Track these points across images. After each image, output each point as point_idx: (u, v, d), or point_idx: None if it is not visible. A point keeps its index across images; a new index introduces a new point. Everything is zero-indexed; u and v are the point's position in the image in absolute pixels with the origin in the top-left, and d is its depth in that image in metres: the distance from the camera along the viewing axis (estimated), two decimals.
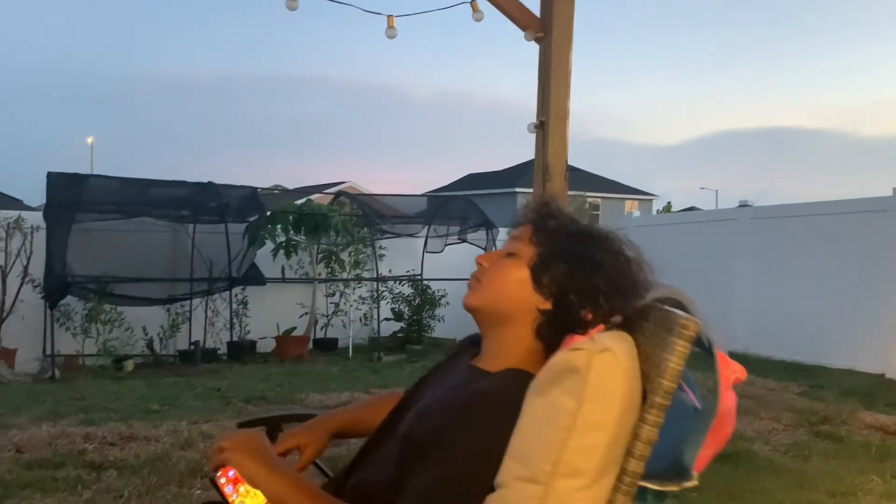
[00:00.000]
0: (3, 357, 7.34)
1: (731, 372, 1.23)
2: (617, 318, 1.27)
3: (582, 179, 26.20)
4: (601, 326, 1.26)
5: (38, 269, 7.70)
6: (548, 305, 1.29)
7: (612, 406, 1.11)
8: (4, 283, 7.71)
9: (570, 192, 3.32)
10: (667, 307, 1.22)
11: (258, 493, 1.17)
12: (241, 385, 6.66)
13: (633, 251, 1.33)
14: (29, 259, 7.76)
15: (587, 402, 1.11)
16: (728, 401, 1.22)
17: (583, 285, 1.27)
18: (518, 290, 1.30)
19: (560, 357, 1.17)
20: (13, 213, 8.04)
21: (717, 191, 41.23)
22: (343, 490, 1.32)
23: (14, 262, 7.75)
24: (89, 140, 35.51)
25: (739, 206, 11.09)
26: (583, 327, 1.27)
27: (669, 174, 74.78)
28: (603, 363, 1.12)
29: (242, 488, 1.18)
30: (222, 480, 1.19)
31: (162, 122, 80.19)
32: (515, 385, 1.22)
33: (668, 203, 42.46)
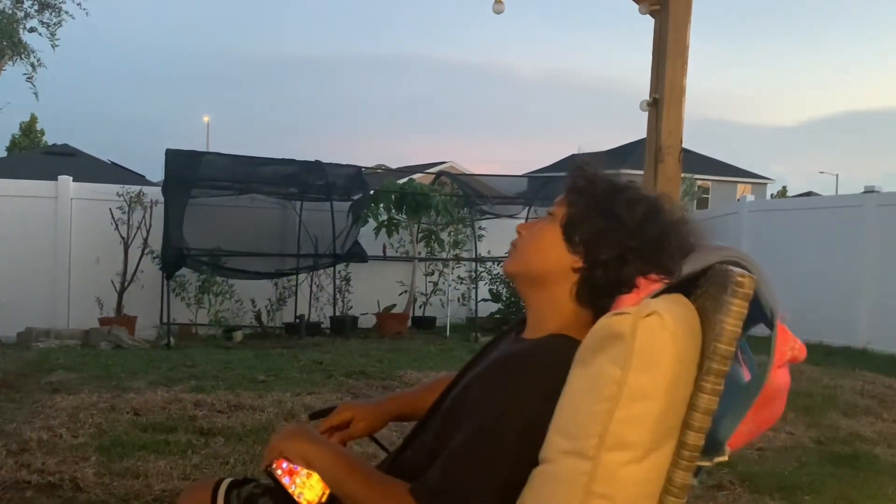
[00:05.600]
0: (124, 324, 7.81)
1: (788, 349, 1.11)
2: (661, 278, 1.19)
3: (691, 161, 25.18)
4: (651, 286, 1.18)
5: (156, 242, 8.12)
6: (580, 264, 1.25)
7: (661, 373, 1.04)
8: (126, 254, 8.18)
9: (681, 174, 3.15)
10: (729, 268, 1.10)
11: (314, 483, 1.21)
12: (342, 359, 6.81)
13: (672, 208, 1.28)
14: (148, 232, 8.20)
15: (633, 369, 1.04)
16: (779, 378, 1.10)
17: (609, 239, 1.23)
18: (551, 252, 1.28)
19: (603, 322, 1.10)
20: (135, 188, 8.51)
21: (837, 175, 38.71)
22: (394, 466, 1.35)
23: (135, 235, 8.22)
24: (205, 118, 37.19)
25: (865, 191, 10.36)
26: (625, 286, 1.21)
27: (785, 157, 71.19)
28: (648, 327, 1.04)
29: (298, 479, 1.22)
30: (278, 472, 1.23)
31: (273, 101, 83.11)
32: (554, 348, 1.18)
33: (784, 187, 40.49)
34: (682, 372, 1.05)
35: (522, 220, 10.54)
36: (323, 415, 1.66)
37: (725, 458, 1.10)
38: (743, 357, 1.17)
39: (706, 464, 1.10)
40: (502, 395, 1.15)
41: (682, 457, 1.06)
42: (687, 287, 1.17)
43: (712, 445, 1.09)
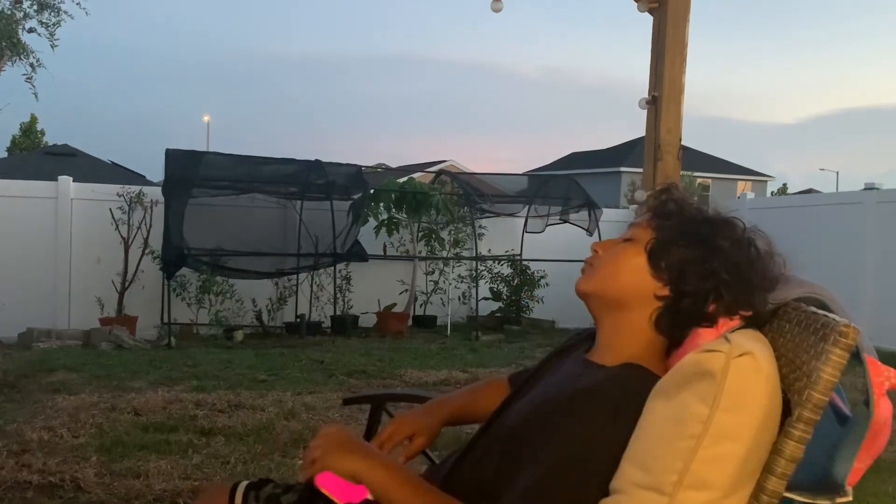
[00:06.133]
0: (125, 324, 7.81)
1: (884, 378, 1.09)
2: (746, 313, 1.17)
3: (692, 158, 25.21)
4: (731, 322, 1.16)
5: (157, 242, 8.12)
6: (665, 292, 1.20)
7: (750, 416, 1.01)
8: (127, 254, 8.18)
9: (681, 172, 3.14)
10: (812, 308, 1.10)
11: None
12: (343, 358, 6.82)
13: (764, 241, 1.23)
14: (149, 231, 8.20)
15: (721, 409, 1.01)
16: (883, 410, 1.09)
17: (703, 271, 1.18)
18: (634, 275, 1.22)
19: (692, 358, 1.07)
20: (135, 188, 8.50)
21: (837, 172, 38.64)
22: (449, 482, 1.28)
23: (135, 235, 8.22)
24: (206, 118, 37.16)
25: (865, 188, 10.35)
26: (707, 320, 1.17)
27: (785, 155, 71.12)
28: (742, 368, 1.02)
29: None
30: (325, 489, 1.15)
31: (273, 101, 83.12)
32: (632, 380, 1.15)
33: (784, 185, 40.46)
34: (771, 415, 1.04)
35: (522, 219, 10.42)
36: (357, 402, 1.60)
37: (849, 498, 1.08)
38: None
39: (827, 503, 1.08)
40: (583, 429, 1.11)
41: (761, 501, 1.05)
42: (762, 321, 1.16)
43: (831, 486, 1.08)
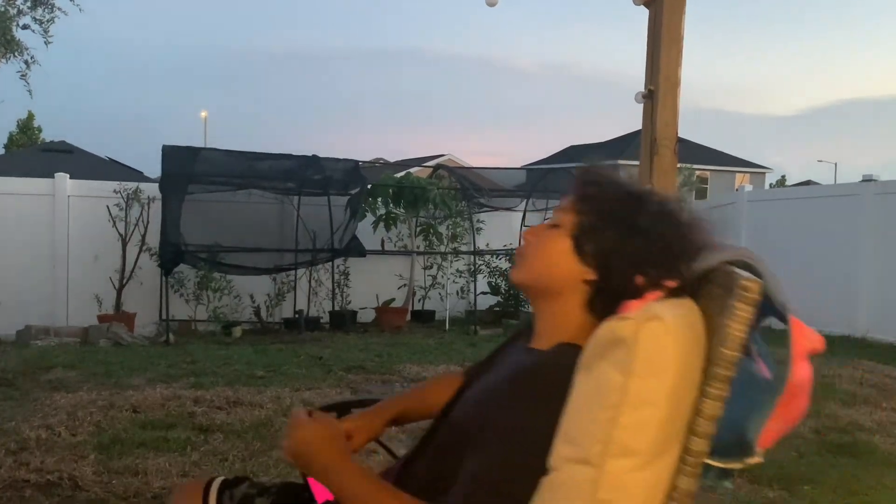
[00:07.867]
0: (123, 320, 7.80)
1: (807, 341, 1.11)
2: (672, 283, 1.17)
3: (689, 151, 25.23)
4: (658, 293, 1.16)
5: (154, 238, 8.11)
6: (593, 276, 1.22)
7: (664, 379, 1.03)
8: (124, 251, 8.17)
9: (678, 165, 3.13)
10: (734, 269, 1.10)
11: None
12: (342, 354, 6.81)
13: (686, 211, 1.24)
14: (146, 228, 8.18)
15: (635, 375, 1.02)
16: (801, 372, 1.10)
17: (625, 251, 1.19)
18: (561, 262, 1.23)
19: (605, 328, 1.09)
20: (132, 185, 8.48)
21: (836, 164, 38.74)
22: (403, 479, 1.30)
23: (133, 232, 8.20)
24: (203, 114, 37.11)
25: (863, 180, 10.33)
26: (636, 294, 1.18)
27: (783, 146, 71.11)
28: (651, 332, 1.03)
29: None
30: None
31: (270, 96, 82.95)
32: (563, 359, 1.15)
33: (783, 177, 40.52)
34: (686, 377, 1.05)
35: (521, 213, 10.37)
36: (333, 409, 1.62)
37: (759, 459, 1.09)
38: (758, 351, 1.16)
39: (738, 466, 1.09)
40: (520, 415, 1.13)
41: (687, 463, 1.06)
42: (691, 288, 1.17)
43: (742, 447, 1.09)
